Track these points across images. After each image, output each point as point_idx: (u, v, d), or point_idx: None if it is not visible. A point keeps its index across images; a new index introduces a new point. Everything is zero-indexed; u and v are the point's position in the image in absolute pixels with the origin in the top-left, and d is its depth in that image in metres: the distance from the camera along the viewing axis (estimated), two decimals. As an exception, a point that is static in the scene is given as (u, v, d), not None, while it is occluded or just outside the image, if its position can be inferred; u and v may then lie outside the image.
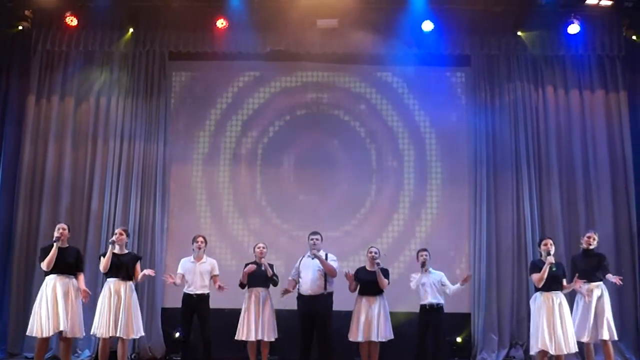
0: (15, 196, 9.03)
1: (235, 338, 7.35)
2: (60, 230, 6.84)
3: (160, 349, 8.83)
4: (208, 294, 7.38)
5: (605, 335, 6.98)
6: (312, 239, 7.40)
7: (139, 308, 6.97)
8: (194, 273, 7.38)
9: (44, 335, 6.63)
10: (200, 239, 7.53)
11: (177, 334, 8.67)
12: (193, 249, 7.54)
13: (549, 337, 6.67)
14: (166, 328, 8.87)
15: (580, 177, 9.10)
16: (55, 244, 6.74)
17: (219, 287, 7.36)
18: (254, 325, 7.26)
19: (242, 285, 7.44)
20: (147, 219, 9.05)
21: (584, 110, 9.26)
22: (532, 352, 7.05)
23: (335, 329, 7.34)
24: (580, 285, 6.99)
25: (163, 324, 8.88)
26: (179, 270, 7.48)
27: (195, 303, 7.31)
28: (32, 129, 9.19)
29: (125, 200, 9.05)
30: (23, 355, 8.49)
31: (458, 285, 7.43)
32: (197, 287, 7.35)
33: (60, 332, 6.69)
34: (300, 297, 7.32)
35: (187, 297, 7.36)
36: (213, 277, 7.45)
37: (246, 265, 7.48)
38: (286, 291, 7.42)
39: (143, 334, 7.10)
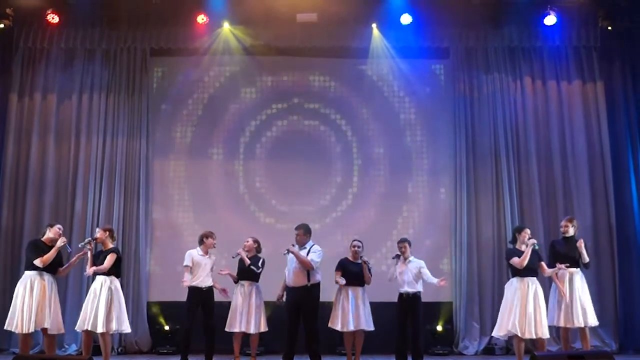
0: (-1, 193, 9.10)
1: (225, 329, 7.46)
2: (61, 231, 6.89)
3: (146, 343, 8.93)
4: (213, 286, 7.54)
5: (590, 321, 7.07)
6: (295, 233, 7.49)
7: (118, 302, 6.79)
8: (203, 266, 7.46)
9: (25, 332, 6.63)
10: (214, 236, 7.62)
11: (167, 327, 8.82)
12: (205, 244, 7.54)
13: (520, 321, 6.75)
14: (152, 321, 8.95)
15: (559, 167, 9.23)
16: (59, 245, 6.74)
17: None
18: (239, 318, 7.37)
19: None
20: (131, 215, 9.12)
21: (562, 101, 9.39)
22: (495, 333, 7.10)
23: (321, 319, 7.39)
24: (558, 272, 7.07)
25: (149, 317, 8.97)
26: (187, 263, 7.49)
27: (203, 296, 7.42)
28: (15, 126, 9.24)
29: (109, 196, 9.12)
30: (10, 351, 8.52)
31: (435, 280, 7.46)
32: (205, 280, 7.46)
33: (43, 328, 6.72)
34: (287, 289, 7.41)
35: (195, 290, 7.41)
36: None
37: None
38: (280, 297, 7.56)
39: (128, 330, 7.01)
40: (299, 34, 9.27)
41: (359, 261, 7.38)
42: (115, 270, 6.84)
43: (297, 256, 7.26)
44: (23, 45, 9.32)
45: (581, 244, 7.17)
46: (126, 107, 9.35)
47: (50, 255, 6.67)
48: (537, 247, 6.91)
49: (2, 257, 8.91)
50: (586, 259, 7.19)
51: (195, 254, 7.54)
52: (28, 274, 6.73)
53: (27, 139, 9.23)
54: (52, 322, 6.68)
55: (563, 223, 7.42)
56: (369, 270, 7.33)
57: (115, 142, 9.25)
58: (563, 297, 7.03)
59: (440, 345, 8.78)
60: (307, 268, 7.24)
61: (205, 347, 7.44)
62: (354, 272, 7.35)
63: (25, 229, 8.88)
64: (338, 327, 7.34)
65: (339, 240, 9.01)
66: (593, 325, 7.14)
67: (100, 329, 6.66)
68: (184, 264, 7.51)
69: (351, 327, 7.25)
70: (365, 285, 7.41)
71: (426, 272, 7.50)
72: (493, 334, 7.29)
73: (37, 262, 6.65)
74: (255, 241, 7.69)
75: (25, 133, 9.25)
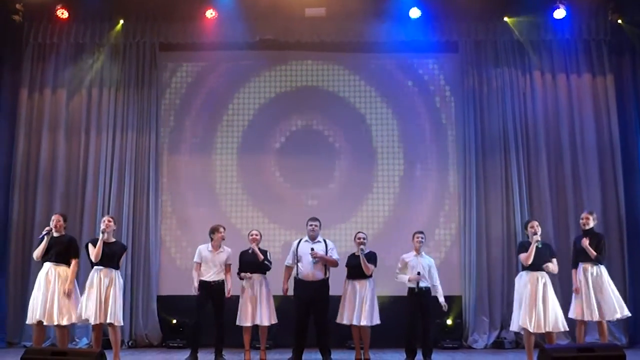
0: (10, 188, 9.15)
1: (236, 324, 7.45)
2: (54, 222, 6.95)
3: (156, 336, 8.97)
4: (223, 280, 7.49)
5: (610, 316, 7.06)
6: (310, 225, 7.46)
7: (122, 295, 7.04)
8: (212, 261, 7.46)
9: (32, 322, 6.78)
10: (222, 229, 7.59)
11: (174, 321, 8.86)
12: (213, 239, 7.54)
13: (529, 316, 6.71)
14: (162, 315, 8.99)
15: (569, 161, 9.19)
16: (46, 236, 6.85)
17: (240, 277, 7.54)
18: (250, 311, 7.37)
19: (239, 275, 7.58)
20: (141, 209, 9.17)
21: (571, 95, 9.34)
22: (512, 328, 7.10)
23: (330, 313, 7.39)
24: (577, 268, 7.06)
25: (159, 311, 9.00)
26: (197, 259, 7.51)
27: (212, 290, 7.42)
28: (26, 121, 9.30)
29: (119, 191, 9.16)
30: (22, 344, 8.59)
31: (441, 299, 7.43)
32: (214, 274, 7.46)
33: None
34: (299, 282, 7.34)
35: (204, 285, 7.42)
36: (227, 266, 7.55)
37: (241, 254, 7.58)
38: (286, 290, 7.52)
39: (122, 323, 7.09)
40: (308, 28, 9.27)
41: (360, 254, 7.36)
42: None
43: (325, 260, 7.29)
44: (33, 40, 9.37)
45: (585, 242, 7.17)
46: (135, 101, 9.39)
47: (40, 248, 6.82)
48: (539, 246, 6.87)
49: (14, 251, 8.97)
50: (593, 254, 7.17)
51: (204, 249, 7.55)
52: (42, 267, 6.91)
53: (37, 134, 9.29)
54: (57, 311, 6.72)
55: (584, 215, 7.38)
56: (369, 260, 7.26)
57: (124, 136, 9.30)
58: (579, 292, 7.09)
59: (450, 339, 8.75)
60: (334, 266, 7.37)
61: (215, 341, 7.47)
62: (356, 266, 7.33)
63: (36, 223, 8.91)
64: (338, 320, 7.36)
65: (344, 233, 9.04)
66: (608, 320, 7.13)
67: (116, 321, 6.80)
68: (194, 260, 7.54)
69: (345, 321, 7.28)
70: (371, 278, 7.35)
71: (435, 274, 7.49)
72: (511, 329, 7.24)
73: (34, 255, 6.92)
74: (260, 234, 7.71)
75: (35, 128, 9.31)
